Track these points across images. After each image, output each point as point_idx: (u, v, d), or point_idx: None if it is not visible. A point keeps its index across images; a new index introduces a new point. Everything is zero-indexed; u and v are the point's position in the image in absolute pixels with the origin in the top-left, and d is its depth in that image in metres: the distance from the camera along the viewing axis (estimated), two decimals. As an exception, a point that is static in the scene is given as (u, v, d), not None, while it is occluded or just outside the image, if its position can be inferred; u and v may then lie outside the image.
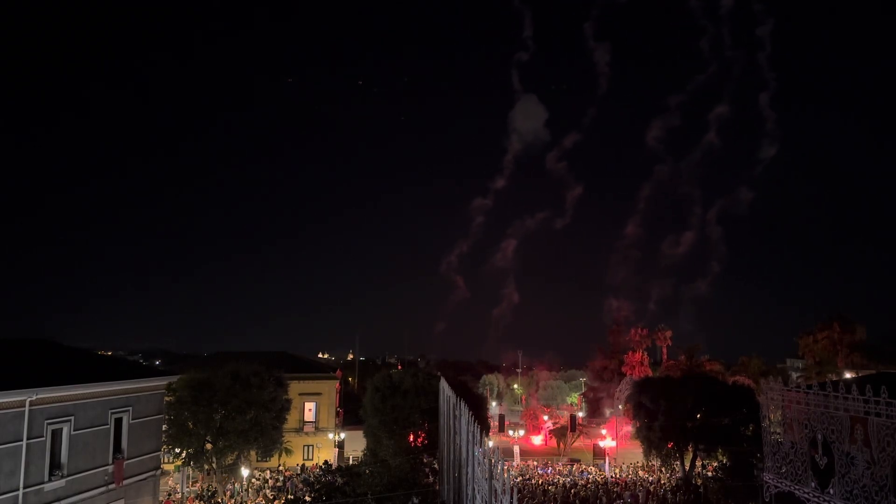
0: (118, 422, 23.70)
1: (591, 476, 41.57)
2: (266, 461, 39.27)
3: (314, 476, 34.05)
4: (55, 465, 20.58)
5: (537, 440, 63.06)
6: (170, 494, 34.18)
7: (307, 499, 28.55)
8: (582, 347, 79.82)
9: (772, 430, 23.28)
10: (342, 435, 50.89)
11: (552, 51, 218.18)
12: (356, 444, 44.70)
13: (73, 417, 21.17)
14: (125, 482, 23.60)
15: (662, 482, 38.65)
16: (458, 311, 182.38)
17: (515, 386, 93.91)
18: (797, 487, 20.93)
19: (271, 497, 34.55)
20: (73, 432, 21.20)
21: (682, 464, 36.39)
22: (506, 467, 9.55)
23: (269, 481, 38.95)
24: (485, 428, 36.23)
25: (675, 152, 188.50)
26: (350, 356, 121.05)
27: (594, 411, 71.34)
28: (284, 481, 38.49)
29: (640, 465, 44.95)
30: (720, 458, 36.25)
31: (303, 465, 43.35)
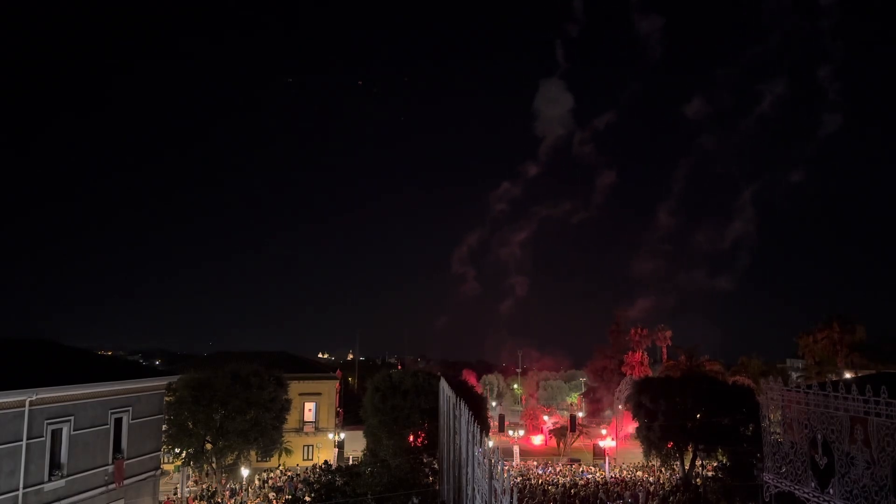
0: (118, 422, 23.69)
1: (591, 476, 41.57)
2: (266, 461, 39.24)
3: (314, 476, 34.05)
4: (55, 465, 20.57)
5: (537, 440, 63.08)
6: (175, 491, 34.10)
7: (307, 499, 28.54)
8: (595, 345, 79.28)
9: (772, 430, 23.25)
10: (342, 435, 50.89)
11: (593, 23, 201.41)
12: (356, 444, 44.67)
13: (73, 417, 21.17)
14: (125, 482, 23.60)
15: (662, 482, 38.65)
16: (460, 311, 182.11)
17: (515, 386, 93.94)
18: (797, 487, 20.92)
19: (271, 497, 34.54)
20: (73, 432, 21.19)
21: (682, 464, 36.38)
22: (506, 467, 9.56)
23: (269, 481, 38.93)
24: (485, 428, 36.21)
25: (718, 134, 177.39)
26: (350, 356, 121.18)
27: (594, 411, 71.40)
28: (286, 481, 38.49)
29: (640, 465, 44.95)
30: (720, 458, 36.22)
31: (314, 464, 42.87)
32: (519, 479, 38.72)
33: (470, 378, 77.89)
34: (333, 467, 30.86)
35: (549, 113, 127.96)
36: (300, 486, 34.57)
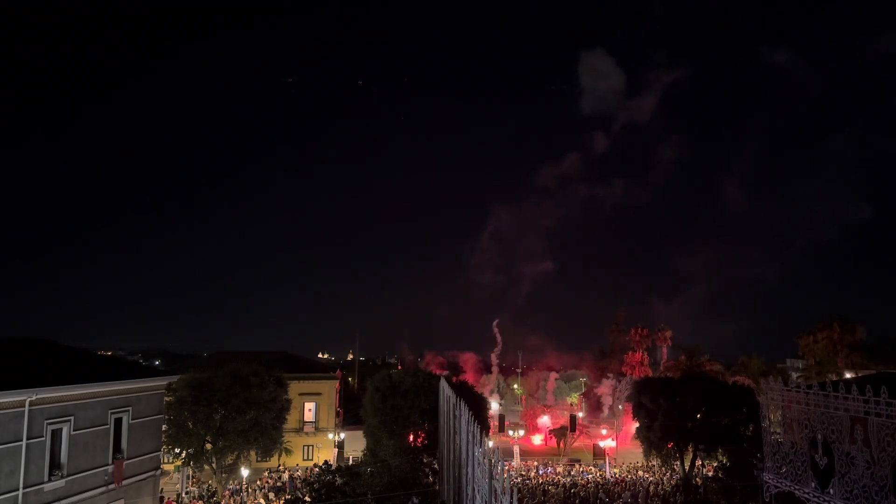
0: (118, 422, 23.67)
1: (591, 476, 41.56)
2: (266, 461, 39.22)
3: (314, 476, 34.05)
4: (55, 465, 20.55)
5: (537, 440, 63.06)
6: (178, 495, 33.98)
7: (307, 499, 28.55)
8: (595, 345, 77.96)
9: (772, 430, 23.24)
10: (342, 435, 50.88)
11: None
12: (356, 444, 44.67)
13: (72, 417, 21.16)
14: (125, 482, 23.58)
15: (662, 482, 38.64)
16: (461, 310, 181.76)
17: (515, 386, 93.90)
18: (797, 487, 20.91)
19: (271, 497, 34.52)
20: (72, 432, 21.17)
21: (682, 464, 36.37)
22: (506, 467, 9.55)
23: (269, 481, 38.90)
24: (485, 428, 36.20)
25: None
26: (350, 356, 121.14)
27: (594, 412, 71.36)
28: (288, 480, 38.46)
29: (640, 465, 44.94)
30: (720, 458, 36.22)
31: (314, 464, 42.56)
32: (519, 479, 38.72)
33: (470, 373, 77.73)
34: (333, 467, 30.87)
35: (597, 86, 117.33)
36: (300, 485, 34.57)
